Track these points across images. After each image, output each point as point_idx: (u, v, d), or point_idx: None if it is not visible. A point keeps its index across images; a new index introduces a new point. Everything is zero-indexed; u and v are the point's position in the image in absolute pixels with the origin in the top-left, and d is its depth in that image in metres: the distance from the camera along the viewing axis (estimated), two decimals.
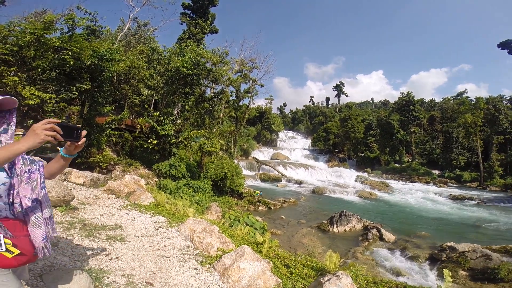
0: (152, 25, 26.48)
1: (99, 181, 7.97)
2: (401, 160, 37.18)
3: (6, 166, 1.39)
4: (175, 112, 15.15)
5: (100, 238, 3.62)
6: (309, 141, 52.88)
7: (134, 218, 4.91)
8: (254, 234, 6.36)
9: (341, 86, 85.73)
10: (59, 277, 2.33)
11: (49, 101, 9.02)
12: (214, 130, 20.42)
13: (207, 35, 30.02)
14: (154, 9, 47.89)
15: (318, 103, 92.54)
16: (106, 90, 12.17)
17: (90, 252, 3.14)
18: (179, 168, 12.71)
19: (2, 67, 8.45)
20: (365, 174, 31.20)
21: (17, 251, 1.34)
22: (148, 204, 6.37)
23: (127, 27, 23.19)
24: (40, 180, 1.55)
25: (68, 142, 1.39)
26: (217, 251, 3.64)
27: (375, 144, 40.11)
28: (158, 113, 13.23)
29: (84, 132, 1.35)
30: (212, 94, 16.97)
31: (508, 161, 28.86)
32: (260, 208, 14.79)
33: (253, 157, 33.68)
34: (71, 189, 6.01)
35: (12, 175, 1.44)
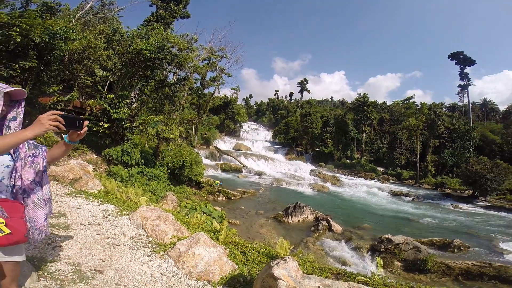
0: (118, 4, 24.80)
1: None
2: (352, 156, 39.99)
3: (11, 150, 1.52)
4: (132, 95, 14.23)
5: None
6: (270, 133, 53.98)
7: (80, 206, 4.65)
8: (212, 222, 6.39)
9: (305, 82, 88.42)
10: None
11: None
12: (174, 116, 19.67)
13: (177, 20, 29.06)
14: None
15: (282, 97, 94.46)
16: (54, 69, 11.17)
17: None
18: (132, 154, 12.05)
19: None
20: (319, 168, 32.97)
21: (7, 231, 1.41)
22: (96, 191, 6.08)
23: (89, 5, 21.44)
24: (43, 163, 1.70)
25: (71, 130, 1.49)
26: (171, 238, 3.62)
27: (330, 140, 42.49)
28: (112, 96, 12.32)
29: (86, 122, 1.47)
30: (175, 80, 16.25)
31: (440, 163, 32.81)
32: (219, 198, 14.80)
33: (215, 147, 33.34)
34: None
35: (16, 158, 1.58)
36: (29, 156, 1.64)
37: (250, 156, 31.11)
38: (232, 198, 15.19)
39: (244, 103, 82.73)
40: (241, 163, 28.07)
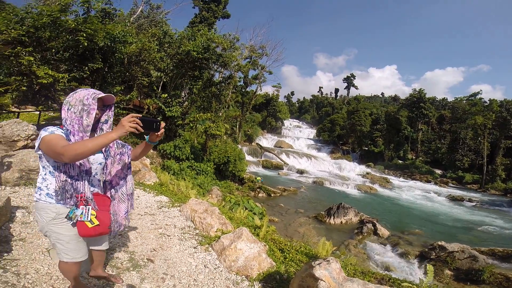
0: (164, 8, 26.38)
1: None
2: (405, 157, 37.01)
3: (103, 148, 1.68)
4: (183, 94, 15.24)
5: None
6: (314, 131, 52.74)
7: (138, 196, 5.09)
8: (253, 218, 6.61)
9: (352, 78, 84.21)
10: None
11: (61, 80, 9.23)
12: (220, 114, 20.51)
13: (219, 20, 29.66)
14: None
15: (327, 94, 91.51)
16: (117, 71, 12.31)
17: None
18: (183, 149, 12.95)
19: (18, 47, 8.67)
20: (367, 168, 31.27)
21: (96, 222, 1.58)
22: (152, 183, 6.54)
23: (139, 9, 23.18)
24: (128, 161, 1.87)
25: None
26: (216, 231, 3.81)
27: (380, 139, 39.88)
28: (166, 95, 13.37)
29: (163, 124, 1.55)
30: (220, 79, 16.94)
31: None
32: (260, 195, 15.08)
33: (257, 143, 33.87)
34: None
35: (107, 156, 1.75)
36: (117, 154, 1.81)
37: (292, 154, 30.87)
38: (272, 195, 15.35)
39: (286, 101, 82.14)
40: (282, 161, 28.05)
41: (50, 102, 11.42)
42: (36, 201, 1.58)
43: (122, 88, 13.09)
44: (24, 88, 9.41)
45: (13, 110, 12.30)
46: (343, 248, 8.82)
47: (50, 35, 9.33)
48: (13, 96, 9.77)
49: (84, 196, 1.59)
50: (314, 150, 39.05)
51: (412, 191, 22.35)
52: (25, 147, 6.36)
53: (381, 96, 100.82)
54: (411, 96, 39.83)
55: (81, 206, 1.57)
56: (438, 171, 32.19)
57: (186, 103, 14.68)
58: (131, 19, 19.96)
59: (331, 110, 65.73)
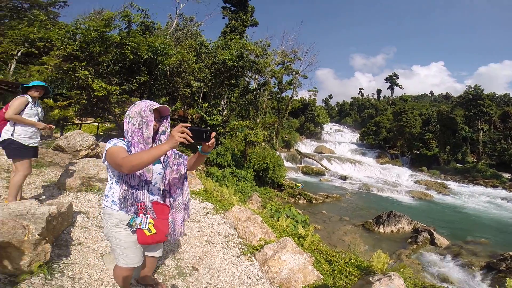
0: (197, 20, 27.68)
1: None
2: (464, 160, 33.24)
3: (161, 159, 1.78)
4: (222, 103, 15.70)
5: None
6: (357, 135, 50.27)
7: None
8: (295, 226, 6.39)
9: (394, 77, 79.23)
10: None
11: (113, 92, 10.01)
12: (258, 121, 20.67)
13: (248, 28, 30.38)
14: (197, 4, 49.76)
15: (368, 95, 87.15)
16: (161, 82, 13.07)
17: None
18: (225, 157, 13.25)
19: (75, 62, 9.60)
20: (420, 173, 28.71)
21: (154, 231, 1.63)
22: (198, 190, 6.65)
23: (175, 22, 24.49)
24: (184, 171, 1.89)
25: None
26: (259, 240, 3.71)
27: (433, 141, 36.40)
28: (207, 104, 13.88)
29: (213, 134, 1.51)
30: (256, 86, 17.16)
31: None
32: (300, 201, 14.70)
33: (296, 149, 33.36)
34: None
35: (166, 166, 1.80)
36: (175, 164, 1.84)
37: (334, 159, 29.72)
38: (313, 201, 14.85)
39: (324, 104, 79.90)
40: (324, 166, 27.12)
41: (106, 114, 12.51)
42: (104, 207, 1.70)
43: (167, 99, 13.88)
44: (84, 101, 10.40)
45: (76, 122, 13.79)
46: (394, 259, 8.12)
47: (100, 50, 10.14)
48: (76, 109, 10.83)
49: (144, 205, 1.65)
50: (358, 155, 37.13)
51: (475, 197, 19.86)
52: (86, 156, 7.04)
53: (429, 95, 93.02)
54: (465, 94, 36.01)
55: (140, 215, 1.63)
56: (507, 175, 28.21)
57: (226, 111, 15.07)
58: (169, 31, 21.05)
59: (374, 112, 62.25)
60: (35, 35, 10.40)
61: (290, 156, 29.88)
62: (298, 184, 17.34)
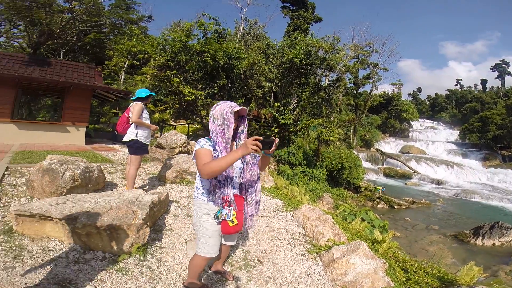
0: (260, 22, 28.30)
1: None
2: None
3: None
4: (293, 102, 15.78)
5: None
6: (456, 132, 42.56)
7: None
8: (371, 231, 6.05)
9: (504, 65, 64.18)
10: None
11: (200, 97, 11.24)
12: (332, 119, 19.90)
13: (312, 25, 29.48)
14: (258, 7, 50.58)
15: (469, 86, 72.75)
16: (237, 85, 13.96)
17: None
18: (296, 155, 13.33)
19: (168, 71, 11.15)
20: None
21: (236, 222, 1.84)
22: (270, 187, 6.95)
23: (241, 27, 25.41)
24: (257, 171, 2.07)
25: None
26: (327, 241, 3.67)
27: None
28: (278, 104, 14.20)
29: (276, 140, 1.69)
30: (328, 83, 16.55)
31: None
32: (379, 206, 13.56)
33: (377, 149, 30.63)
34: None
35: (244, 162, 2.00)
36: (251, 163, 2.01)
37: (425, 161, 26.07)
38: (395, 207, 13.46)
39: (412, 99, 70.54)
40: (411, 169, 24.12)
41: (194, 116, 14.13)
42: (194, 198, 1.92)
43: (243, 100, 14.75)
44: (177, 105, 11.98)
45: (171, 123, 16.08)
46: (490, 274, 6.73)
47: (186, 58, 11.40)
48: (171, 112, 12.58)
49: (228, 198, 1.84)
50: (457, 156, 31.50)
51: None
52: (180, 152, 8.26)
53: None
54: None
55: (225, 207, 1.82)
56: None
57: (297, 110, 15.09)
58: (238, 36, 22.02)
59: (479, 105, 51.70)
60: (135, 48, 12.45)
61: (370, 156, 27.64)
62: (379, 187, 15.99)
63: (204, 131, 16.04)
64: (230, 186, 1.86)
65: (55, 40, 14.29)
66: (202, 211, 1.89)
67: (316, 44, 14.03)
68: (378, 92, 34.02)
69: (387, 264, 3.33)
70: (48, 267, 2.22)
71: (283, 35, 26.91)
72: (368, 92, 28.79)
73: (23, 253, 2.34)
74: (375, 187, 15.74)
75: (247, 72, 14.25)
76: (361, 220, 8.04)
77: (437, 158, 28.39)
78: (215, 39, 12.49)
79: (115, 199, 2.91)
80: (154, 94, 4.36)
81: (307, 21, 28.51)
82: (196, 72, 11.89)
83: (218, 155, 1.78)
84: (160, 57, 11.30)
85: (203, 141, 1.83)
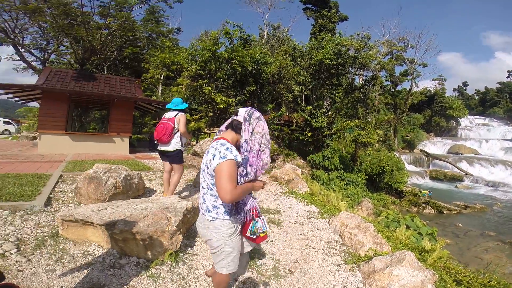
0: (283, 26, 28.11)
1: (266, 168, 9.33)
2: None
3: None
4: (325, 104, 15.33)
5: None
6: None
7: (290, 205, 5.35)
8: (417, 239, 5.55)
9: None
10: None
11: (231, 104, 11.44)
12: (369, 119, 18.94)
13: (338, 24, 28.93)
14: (279, 11, 50.67)
15: None
16: (266, 90, 13.96)
17: None
18: (332, 159, 12.86)
19: (200, 80, 11.53)
20: None
21: (268, 230, 1.84)
22: (303, 193, 6.74)
23: (265, 32, 25.55)
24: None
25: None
26: (367, 251, 3.43)
27: None
28: (310, 107, 13.89)
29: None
30: (362, 82, 15.81)
31: None
32: (426, 211, 12.51)
33: (421, 150, 28.43)
34: None
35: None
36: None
37: (478, 161, 23.58)
38: (444, 212, 12.31)
39: (458, 94, 64.47)
40: (462, 170, 21.93)
41: None
42: (213, 220, 1.61)
43: (273, 105, 14.70)
44: (211, 113, 12.34)
45: (206, 131, 16.58)
46: None
47: (215, 67, 11.72)
48: (205, 121, 12.96)
49: (256, 210, 1.73)
50: None
51: None
52: None
53: None
54: None
55: (256, 219, 1.71)
56: None
57: (330, 112, 14.62)
58: (263, 41, 22.09)
59: None
60: (168, 60, 13.01)
61: (414, 158, 25.73)
62: (425, 191, 14.78)
63: None
64: (251, 197, 1.75)
65: (98, 56, 15.63)
66: (227, 232, 1.65)
67: (346, 43, 13.56)
68: (418, 89, 31.69)
69: (436, 275, 3.00)
70: (85, 271, 2.33)
71: (309, 37, 26.62)
72: (408, 89, 26.97)
73: (65, 256, 2.50)
74: (420, 191, 14.59)
75: (275, 76, 14.21)
76: (405, 227, 7.45)
77: (493, 158, 25.42)
78: (241, 45, 12.66)
79: (151, 206, 3.00)
80: (186, 105, 4.53)
81: (332, 21, 28.10)
82: (226, 80, 12.14)
83: (244, 179, 1.59)
84: (192, 67, 11.74)
85: (234, 150, 1.57)
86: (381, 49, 24.12)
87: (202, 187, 1.66)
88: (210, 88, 11.19)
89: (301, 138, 14.31)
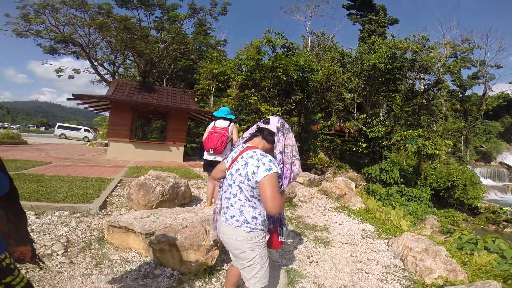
0: (328, 33, 27.62)
1: (315, 181, 8.71)
2: None
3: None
4: (382, 112, 14.11)
5: (309, 238, 3.80)
6: None
7: (342, 222, 4.89)
8: (500, 263, 4.57)
9: None
10: None
11: (277, 113, 11.30)
12: (435, 128, 16.85)
13: (388, 28, 27.53)
14: (322, 18, 49.57)
15: None
16: (314, 99, 13.49)
17: (297, 251, 3.30)
18: (391, 173, 11.68)
19: (246, 90, 11.66)
20: None
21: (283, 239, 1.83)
22: (357, 209, 6.17)
23: (309, 40, 25.19)
24: None
25: None
26: (436, 278, 2.91)
27: None
28: (364, 116, 12.93)
29: None
30: (425, 87, 14.18)
31: None
32: (507, 230, 10.71)
33: (500, 162, 24.34)
34: (295, 187, 7.08)
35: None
36: None
37: None
38: None
39: None
40: None
41: None
42: (251, 230, 1.54)
43: (322, 114, 14.10)
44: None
45: None
46: None
47: (260, 76, 11.72)
48: None
49: (283, 216, 1.74)
50: None
51: None
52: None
53: None
54: None
55: (282, 225, 1.74)
56: None
57: (388, 121, 13.38)
58: (308, 49, 21.71)
59: None
60: (216, 70, 13.49)
61: (491, 171, 22.26)
62: (506, 208, 12.64)
63: None
64: None
65: (157, 68, 17.10)
66: (262, 242, 1.59)
67: (401, 45, 12.46)
68: (493, 93, 27.51)
69: None
70: (119, 278, 2.31)
71: (357, 42, 25.62)
72: (481, 94, 23.54)
73: (104, 261, 2.54)
74: (500, 208, 12.45)
75: (324, 84, 13.71)
76: (483, 249, 6.19)
77: None
78: (284, 53, 12.54)
79: (193, 216, 2.93)
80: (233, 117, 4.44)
81: (382, 25, 27.20)
82: (271, 89, 12.07)
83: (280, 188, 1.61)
84: (238, 76, 11.96)
85: (275, 161, 1.53)
86: (443, 51, 21.74)
87: (239, 199, 1.57)
88: (256, 98, 11.23)
89: (354, 149, 13.37)
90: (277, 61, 11.40)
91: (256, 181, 1.46)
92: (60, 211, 3.42)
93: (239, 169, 1.55)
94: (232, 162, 1.62)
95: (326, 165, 13.29)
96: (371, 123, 12.65)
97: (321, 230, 4.25)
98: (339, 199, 6.78)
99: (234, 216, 1.57)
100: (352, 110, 15.26)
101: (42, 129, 59.47)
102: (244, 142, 1.73)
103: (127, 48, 15.59)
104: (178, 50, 16.47)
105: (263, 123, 1.69)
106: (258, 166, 1.46)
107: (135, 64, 18.00)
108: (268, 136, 1.65)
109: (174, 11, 16.37)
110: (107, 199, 4.22)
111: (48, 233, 2.85)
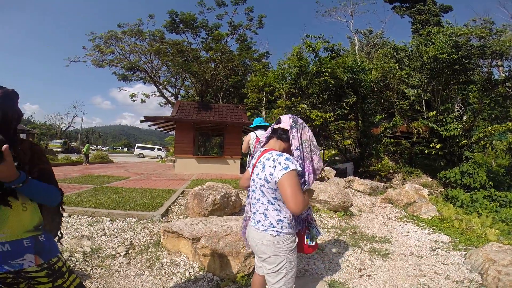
0: (375, 30, 26.34)
1: (378, 189, 8.09)
2: None
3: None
4: (456, 107, 12.22)
5: (364, 249, 3.50)
6: None
7: (408, 232, 4.42)
8: None
9: None
10: (304, 284, 2.48)
11: (329, 119, 10.81)
12: None
13: (442, 16, 24.82)
14: (364, 15, 47.18)
15: None
16: (372, 100, 12.52)
17: (347, 263, 3.04)
18: (475, 175, 9.96)
19: (293, 99, 11.52)
20: None
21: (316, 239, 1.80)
22: (430, 217, 5.52)
23: (356, 39, 24.06)
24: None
25: None
26: None
27: None
28: (434, 113, 11.42)
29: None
30: (506, 74, 11.81)
31: None
32: None
33: None
34: (352, 196, 6.65)
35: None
36: None
37: None
38: None
39: None
40: None
41: (329, 141, 13.72)
42: (278, 234, 1.51)
43: (383, 116, 12.95)
44: None
45: None
46: None
47: (306, 83, 11.34)
48: None
49: (312, 216, 1.70)
50: None
51: None
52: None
53: None
54: None
55: (312, 226, 1.71)
56: None
57: (466, 116, 11.52)
58: (356, 49, 20.59)
59: None
60: (260, 82, 13.60)
61: None
62: None
63: (341, 156, 15.07)
64: None
65: (212, 87, 18.31)
66: (290, 246, 1.55)
67: (461, 32, 10.75)
68: None
69: None
70: (165, 279, 2.48)
71: (411, 35, 23.55)
72: None
73: (156, 263, 2.77)
74: None
75: (380, 83, 12.62)
76: None
77: None
78: (328, 57, 12.04)
79: (237, 225, 3.03)
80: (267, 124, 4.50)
81: (434, 14, 24.79)
82: (320, 95, 11.65)
83: (304, 188, 1.58)
84: (282, 86, 11.93)
85: (293, 159, 1.52)
86: None
87: (262, 203, 1.57)
88: (304, 106, 11.02)
89: (426, 151, 11.83)
90: (321, 66, 11.03)
91: (275, 181, 1.45)
92: (130, 218, 3.92)
93: (258, 173, 1.56)
94: (253, 168, 1.64)
95: (391, 171, 12.07)
96: (444, 120, 11.03)
97: (380, 241, 3.86)
98: (407, 207, 6.15)
99: (259, 221, 1.57)
100: (418, 108, 13.64)
101: (126, 149, 69.63)
102: (262, 147, 1.73)
103: (183, 71, 17.18)
104: (227, 67, 17.45)
105: (276, 124, 1.69)
106: (275, 167, 1.45)
107: (193, 85, 19.62)
108: (283, 135, 1.63)
109: (217, 30, 17.58)
110: (169, 208, 4.66)
111: (116, 237, 3.29)
